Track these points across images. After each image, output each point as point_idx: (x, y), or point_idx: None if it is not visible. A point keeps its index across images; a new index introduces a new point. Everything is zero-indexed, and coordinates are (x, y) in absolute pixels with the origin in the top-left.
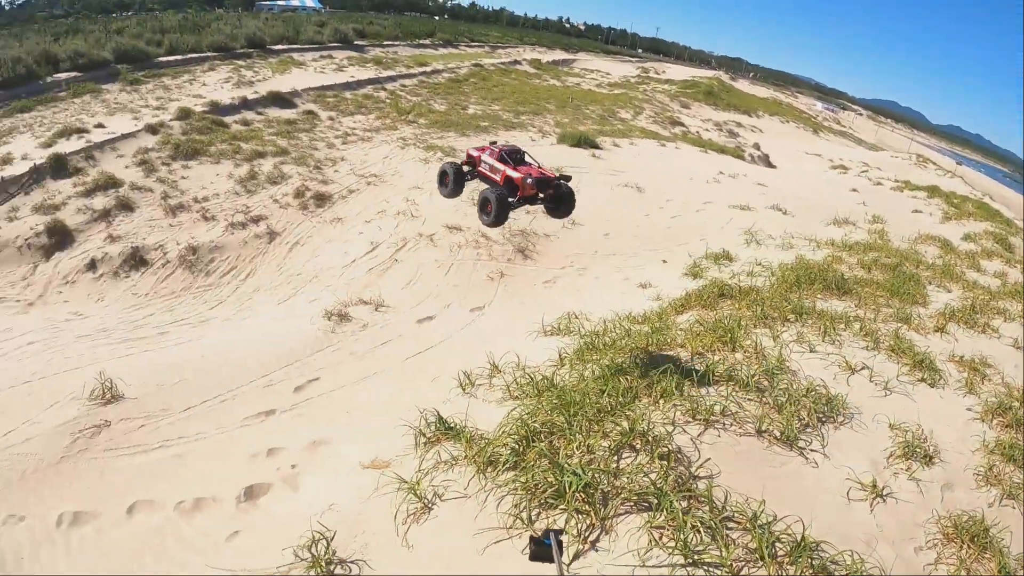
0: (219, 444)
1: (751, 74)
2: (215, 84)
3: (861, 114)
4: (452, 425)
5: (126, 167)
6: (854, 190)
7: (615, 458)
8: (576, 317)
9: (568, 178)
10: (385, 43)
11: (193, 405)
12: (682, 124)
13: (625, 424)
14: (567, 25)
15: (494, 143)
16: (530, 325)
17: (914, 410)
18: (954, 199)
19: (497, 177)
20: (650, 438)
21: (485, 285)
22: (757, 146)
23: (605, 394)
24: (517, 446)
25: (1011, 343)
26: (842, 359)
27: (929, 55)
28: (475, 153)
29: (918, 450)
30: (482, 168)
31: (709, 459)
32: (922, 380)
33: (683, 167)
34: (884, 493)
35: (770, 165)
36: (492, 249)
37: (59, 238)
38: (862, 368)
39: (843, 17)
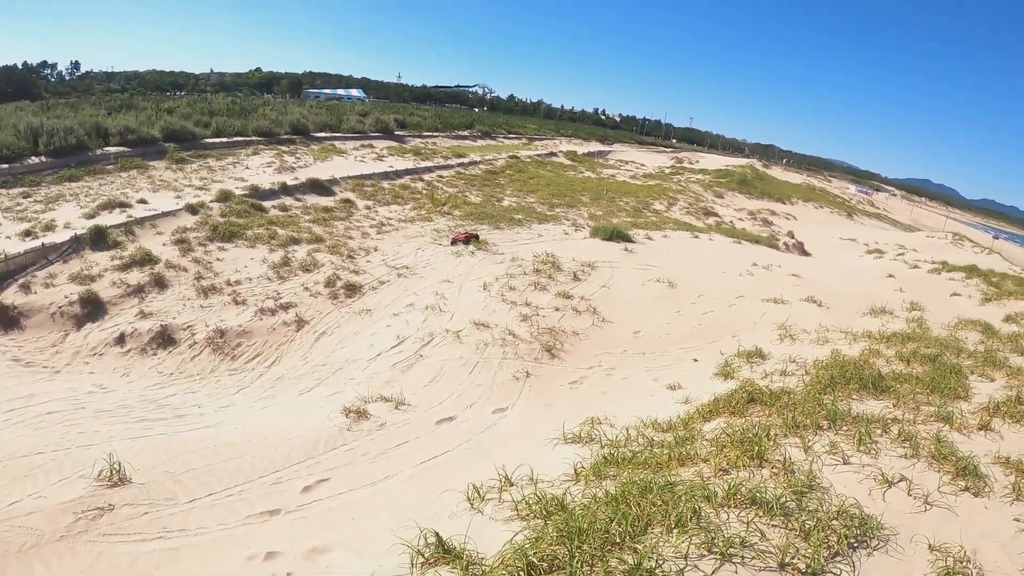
0: (218, 541)
1: (784, 160)
2: (257, 168)
3: (895, 194)
4: (451, 548)
5: (164, 244)
6: (890, 276)
7: None
8: (600, 423)
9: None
10: (425, 134)
11: (198, 497)
12: (716, 214)
13: (632, 560)
14: (603, 117)
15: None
16: (552, 431)
17: (957, 525)
18: (993, 277)
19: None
20: None
21: (510, 385)
22: (791, 234)
23: (614, 521)
24: None
25: None
26: (878, 471)
27: (960, 130)
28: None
29: None
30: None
31: None
32: (966, 489)
33: (716, 260)
34: None
35: (804, 253)
36: (519, 347)
37: (92, 309)
38: (900, 480)
39: (872, 97)
